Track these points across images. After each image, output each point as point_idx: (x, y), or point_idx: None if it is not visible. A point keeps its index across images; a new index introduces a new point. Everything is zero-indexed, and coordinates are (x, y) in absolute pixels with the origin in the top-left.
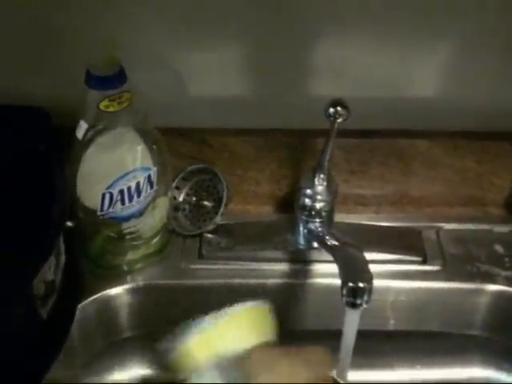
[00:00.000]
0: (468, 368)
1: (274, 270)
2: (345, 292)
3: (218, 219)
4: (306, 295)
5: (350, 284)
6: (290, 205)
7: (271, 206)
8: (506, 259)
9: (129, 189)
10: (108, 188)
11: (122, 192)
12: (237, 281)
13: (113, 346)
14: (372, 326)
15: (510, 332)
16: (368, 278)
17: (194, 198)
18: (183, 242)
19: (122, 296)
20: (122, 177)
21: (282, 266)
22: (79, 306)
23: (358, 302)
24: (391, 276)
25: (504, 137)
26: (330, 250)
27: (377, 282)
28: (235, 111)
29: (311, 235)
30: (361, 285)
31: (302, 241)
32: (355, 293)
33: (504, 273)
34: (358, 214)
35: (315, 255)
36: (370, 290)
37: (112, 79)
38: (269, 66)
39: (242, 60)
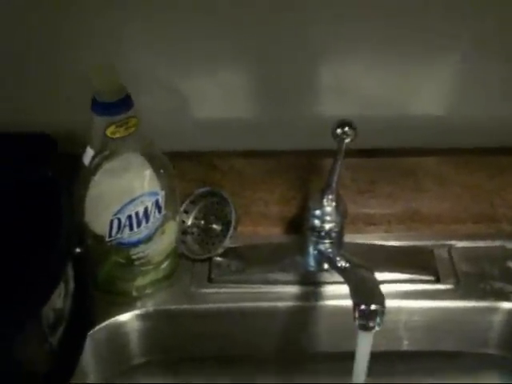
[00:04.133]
0: None
1: (285, 292)
2: (357, 315)
3: (227, 242)
4: (318, 317)
5: (363, 306)
6: (299, 226)
7: (281, 228)
8: None
9: (137, 214)
10: (116, 214)
11: (130, 217)
12: (247, 304)
13: (124, 372)
14: (386, 346)
15: None
16: (380, 300)
17: (203, 222)
18: (192, 266)
19: (132, 322)
20: (130, 202)
21: (293, 289)
22: (89, 333)
23: (371, 324)
24: (404, 296)
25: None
26: (341, 271)
27: (389, 303)
28: (242, 133)
29: (321, 256)
30: (373, 307)
31: (312, 262)
32: (368, 315)
33: None
34: (368, 234)
35: (326, 277)
36: (382, 312)
37: (118, 105)
38: (274, 87)
39: (247, 82)
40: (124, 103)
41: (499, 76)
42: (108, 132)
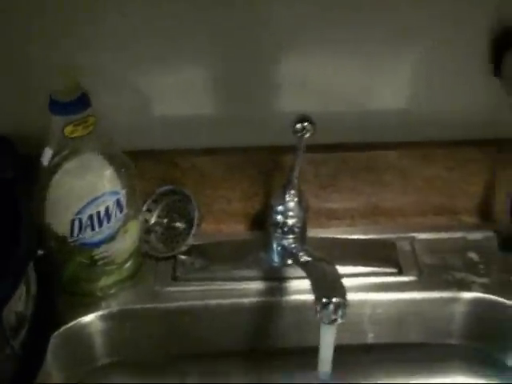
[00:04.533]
0: (450, 377)
1: (250, 288)
2: (319, 308)
3: (191, 240)
4: (283, 312)
5: (324, 300)
6: (262, 222)
7: (244, 225)
8: (481, 266)
9: (98, 214)
10: (77, 214)
11: (91, 217)
12: (212, 301)
13: (89, 374)
14: (351, 339)
15: (489, 339)
16: (341, 292)
17: (166, 220)
18: (156, 265)
19: (97, 323)
20: (91, 202)
21: (258, 285)
22: (53, 335)
23: (333, 317)
24: (367, 289)
25: (472, 144)
26: (303, 266)
27: (353, 296)
28: (202, 131)
29: (285, 252)
30: (334, 300)
31: (276, 258)
32: (329, 308)
33: (479, 280)
34: (332, 228)
35: (290, 272)
36: (344, 304)
37: (75, 104)
38: (234, 84)
39: (206, 79)
40: (81, 102)
41: (458, 70)
42: (66, 131)
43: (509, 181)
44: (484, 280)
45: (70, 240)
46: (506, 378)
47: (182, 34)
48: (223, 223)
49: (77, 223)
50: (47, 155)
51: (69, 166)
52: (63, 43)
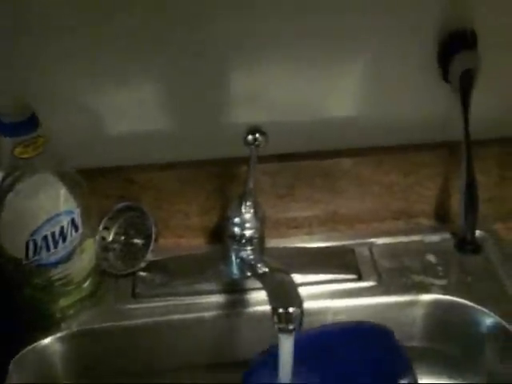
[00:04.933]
0: None
1: (211, 302)
2: (275, 319)
3: (150, 256)
4: (245, 324)
5: (280, 310)
6: (221, 235)
7: (203, 238)
8: (439, 268)
9: (53, 234)
10: (32, 235)
11: (46, 238)
12: (174, 317)
13: None
14: None
15: (450, 340)
16: (298, 302)
17: (124, 237)
18: (116, 283)
19: (57, 344)
20: (45, 223)
21: (218, 298)
22: (12, 359)
23: (290, 327)
24: (328, 296)
25: (425, 148)
26: (260, 277)
27: (314, 303)
28: (157, 146)
29: (243, 264)
30: (291, 310)
31: (235, 270)
32: (286, 318)
33: (438, 281)
34: (291, 238)
35: (250, 284)
36: (300, 313)
37: (24, 125)
38: (186, 98)
39: (158, 95)
40: (30, 123)
41: (409, 75)
42: (16, 152)
43: (461, 183)
44: (442, 282)
45: (25, 262)
46: (468, 378)
47: (133, 50)
48: (182, 237)
49: (31, 245)
50: None
51: (21, 186)
52: (11, 64)
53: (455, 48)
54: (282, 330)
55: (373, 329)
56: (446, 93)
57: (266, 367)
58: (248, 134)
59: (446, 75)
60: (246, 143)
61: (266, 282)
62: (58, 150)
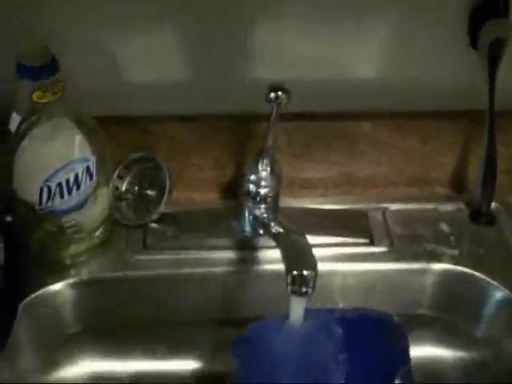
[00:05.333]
0: (419, 347)
1: (221, 257)
2: (289, 280)
3: (162, 208)
4: (255, 282)
5: (295, 272)
6: (235, 191)
7: (216, 193)
8: (452, 238)
9: (67, 181)
10: (46, 181)
11: (60, 185)
12: (183, 270)
13: (59, 342)
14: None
15: (457, 310)
16: (312, 265)
17: (137, 188)
18: (127, 233)
19: (67, 291)
20: (60, 169)
21: (229, 254)
22: (22, 303)
23: (304, 290)
24: (338, 259)
25: (446, 116)
26: (274, 237)
27: (324, 266)
28: (175, 97)
29: (257, 222)
30: (305, 272)
31: (248, 228)
32: (300, 281)
33: (450, 251)
34: (304, 198)
35: (262, 241)
36: (314, 277)
37: (44, 69)
38: (207, 51)
39: (179, 45)
40: (50, 67)
41: (436, 41)
42: (34, 97)
43: (481, 152)
44: (454, 252)
45: (38, 207)
46: (474, 350)
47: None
48: (195, 191)
49: (45, 191)
50: (15, 121)
51: (37, 132)
52: (28, 7)
53: (486, 15)
54: (295, 292)
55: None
56: (473, 61)
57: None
58: (270, 91)
59: (474, 43)
60: (268, 100)
61: (281, 242)
62: (76, 96)
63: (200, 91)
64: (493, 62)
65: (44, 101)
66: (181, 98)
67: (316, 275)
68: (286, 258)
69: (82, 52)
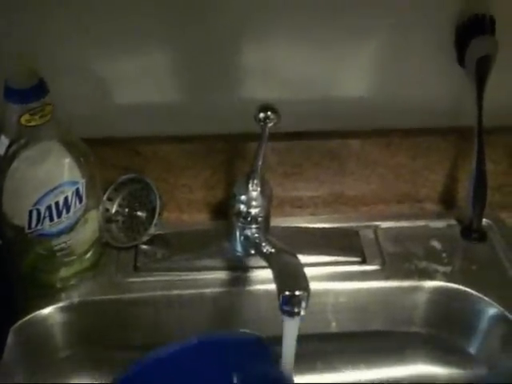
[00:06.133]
0: (412, 365)
1: (213, 278)
2: (281, 301)
3: (153, 230)
4: (246, 302)
5: (287, 292)
6: (225, 211)
7: (207, 214)
8: (444, 255)
9: (57, 204)
10: (35, 204)
11: (49, 208)
12: (175, 292)
13: (50, 365)
14: (314, 328)
15: (450, 327)
16: (304, 285)
17: (127, 209)
18: (118, 255)
19: (57, 315)
20: (49, 192)
21: (221, 275)
22: (12, 327)
23: (296, 310)
24: (330, 278)
25: (435, 132)
26: (266, 257)
27: (316, 285)
28: (165, 118)
29: (248, 242)
30: (297, 293)
31: (239, 248)
32: (292, 301)
33: (442, 268)
34: (295, 217)
35: (253, 262)
36: (306, 297)
37: (32, 92)
38: (196, 71)
39: (168, 65)
40: (38, 90)
41: (424, 58)
42: (23, 120)
43: (471, 169)
44: (446, 268)
45: (27, 231)
46: (468, 367)
47: (143, 19)
48: (186, 212)
49: (35, 214)
50: (3, 144)
51: (26, 154)
52: (19, 30)
53: (473, 33)
54: (287, 313)
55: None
56: (460, 78)
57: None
58: (260, 112)
59: (462, 60)
60: (258, 121)
61: (272, 262)
62: (65, 118)
63: (190, 112)
64: (480, 78)
65: (32, 124)
66: (171, 118)
67: (308, 295)
68: (278, 278)
69: (71, 74)
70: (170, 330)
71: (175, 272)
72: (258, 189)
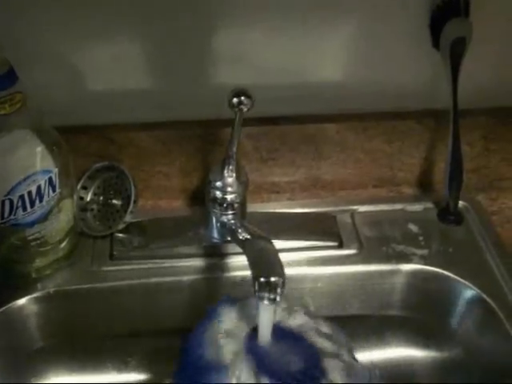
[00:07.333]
0: (390, 348)
1: (190, 266)
2: (257, 287)
3: (128, 217)
4: (223, 289)
5: (262, 279)
6: (202, 198)
7: (183, 200)
8: (421, 238)
9: (30, 193)
10: (7, 195)
11: (22, 197)
12: (152, 280)
13: (27, 356)
14: None
15: (427, 310)
16: (279, 271)
17: (102, 198)
18: (93, 244)
19: (32, 305)
20: (22, 181)
21: (198, 262)
22: None
23: (271, 296)
24: (308, 263)
25: (411, 116)
26: (242, 243)
27: (293, 270)
28: (138, 105)
29: (224, 228)
30: (272, 279)
31: (215, 234)
32: (267, 287)
33: (419, 251)
34: (272, 203)
35: (230, 248)
36: (282, 283)
37: (1, 80)
38: (169, 58)
39: (141, 52)
40: (7, 78)
41: (398, 41)
42: None
43: (447, 152)
44: (424, 252)
45: (0, 221)
46: (445, 349)
47: (115, 7)
48: (161, 199)
49: (7, 204)
50: None
51: None
52: None
53: (447, 15)
54: (262, 299)
55: None
56: (435, 60)
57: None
58: (233, 97)
59: (436, 42)
60: (231, 106)
61: (248, 249)
62: (37, 106)
63: (164, 98)
64: (455, 61)
65: (2, 112)
66: (145, 105)
67: (284, 282)
68: (253, 264)
69: (44, 62)
70: (148, 319)
71: (152, 260)
72: (234, 175)
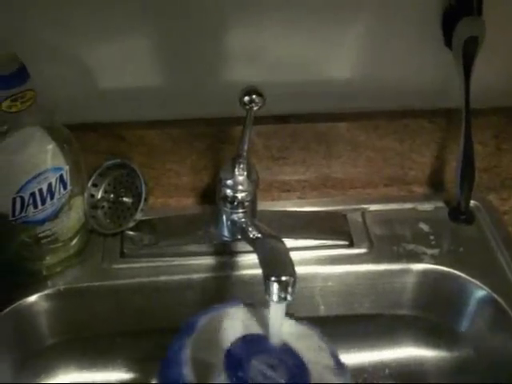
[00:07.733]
0: (400, 348)
1: (200, 264)
2: (267, 286)
3: (139, 215)
4: (233, 288)
5: (273, 278)
6: (212, 196)
7: (193, 198)
8: (431, 237)
9: (41, 191)
10: (18, 192)
11: (33, 195)
12: (162, 278)
13: (38, 353)
14: (302, 312)
15: (438, 309)
16: (290, 271)
17: (113, 195)
18: (104, 242)
19: (43, 302)
20: (33, 179)
21: (208, 260)
22: None
23: (282, 295)
24: (318, 262)
25: (422, 114)
26: (252, 242)
27: (304, 269)
28: (150, 103)
29: (235, 227)
30: (283, 278)
31: (226, 233)
32: (278, 287)
33: (429, 251)
34: (283, 201)
35: (240, 246)
36: (293, 282)
37: (12, 78)
38: (181, 55)
39: (152, 50)
40: (19, 76)
41: (411, 40)
42: (3, 106)
43: (458, 151)
44: (434, 251)
45: (11, 218)
46: (455, 349)
47: (126, 4)
48: (172, 197)
49: (18, 201)
50: None
51: (8, 141)
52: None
53: (460, 14)
54: (273, 299)
55: None
56: (448, 59)
57: None
58: (244, 95)
59: (449, 41)
60: (243, 104)
61: (258, 247)
62: (48, 104)
63: (175, 96)
64: (467, 60)
65: (14, 110)
66: (156, 103)
67: (295, 281)
68: (264, 263)
69: (55, 59)
70: (158, 316)
71: (162, 258)
72: (245, 173)
